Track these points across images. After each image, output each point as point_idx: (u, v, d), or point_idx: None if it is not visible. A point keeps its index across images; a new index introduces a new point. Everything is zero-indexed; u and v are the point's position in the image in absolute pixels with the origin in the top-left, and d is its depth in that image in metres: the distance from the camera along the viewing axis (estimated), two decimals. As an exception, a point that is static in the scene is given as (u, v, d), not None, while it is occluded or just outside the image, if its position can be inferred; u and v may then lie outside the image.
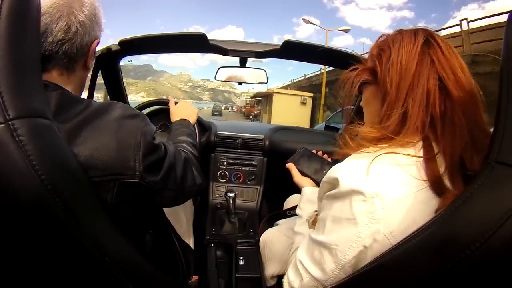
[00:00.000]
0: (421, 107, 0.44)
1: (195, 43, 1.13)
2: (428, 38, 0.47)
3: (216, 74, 1.33)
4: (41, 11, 0.48)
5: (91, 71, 0.67)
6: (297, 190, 1.16)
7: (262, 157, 1.34)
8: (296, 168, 0.83)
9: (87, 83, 0.74)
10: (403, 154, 0.42)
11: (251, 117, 24.21)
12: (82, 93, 0.64)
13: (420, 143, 0.44)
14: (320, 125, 7.28)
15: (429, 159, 0.42)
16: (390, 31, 0.53)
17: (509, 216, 0.28)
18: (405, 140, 0.44)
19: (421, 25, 0.51)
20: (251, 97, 27.51)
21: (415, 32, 0.49)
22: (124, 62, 1.28)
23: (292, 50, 1.14)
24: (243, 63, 1.25)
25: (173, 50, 1.25)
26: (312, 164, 0.83)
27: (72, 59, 0.53)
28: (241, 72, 1.32)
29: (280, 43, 1.06)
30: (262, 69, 1.32)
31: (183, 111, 0.90)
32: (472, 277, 0.31)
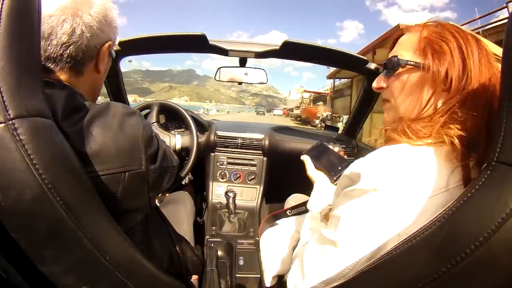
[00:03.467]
0: (483, 120, 0.41)
1: (195, 43, 1.13)
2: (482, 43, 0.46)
3: (216, 74, 1.33)
4: (49, 13, 0.49)
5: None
6: (297, 189, 1.17)
7: (262, 157, 1.34)
8: (311, 161, 0.80)
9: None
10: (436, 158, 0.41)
11: (317, 122, 14.26)
12: (97, 96, 0.64)
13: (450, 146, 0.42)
14: None
15: (464, 165, 0.40)
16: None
17: (510, 216, 0.28)
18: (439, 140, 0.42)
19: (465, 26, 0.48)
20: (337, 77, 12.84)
21: (475, 38, 0.47)
22: (124, 63, 1.28)
23: (292, 50, 1.14)
24: (243, 63, 1.26)
25: (173, 50, 1.25)
26: (328, 159, 0.80)
27: (79, 62, 0.54)
28: (241, 72, 1.32)
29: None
30: (262, 69, 1.33)
31: None
32: (473, 276, 0.31)
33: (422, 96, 0.47)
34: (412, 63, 0.48)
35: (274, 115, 39.72)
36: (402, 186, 0.39)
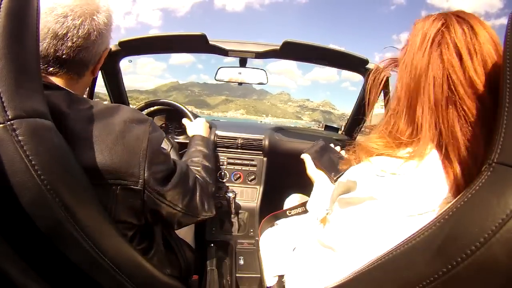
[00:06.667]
0: (432, 117, 0.40)
1: (195, 43, 1.13)
2: (442, 29, 0.40)
3: (216, 74, 1.33)
4: (62, 11, 0.47)
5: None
6: (297, 189, 1.17)
7: (262, 157, 1.34)
8: (312, 160, 0.78)
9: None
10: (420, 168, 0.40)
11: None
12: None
13: (435, 153, 0.40)
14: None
15: (447, 171, 0.39)
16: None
17: (510, 217, 0.28)
18: (420, 150, 0.40)
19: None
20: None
21: (434, 19, 0.42)
22: (124, 62, 1.28)
23: (292, 50, 1.14)
24: (243, 63, 1.26)
25: (173, 50, 1.25)
26: (329, 158, 0.78)
27: (85, 66, 0.53)
28: (241, 72, 1.32)
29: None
30: (262, 69, 1.32)
31: (201, 126, 0.91)
32: (473, 277, 0.31)
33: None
34: None
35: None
36: (398, 193, 0.39)
